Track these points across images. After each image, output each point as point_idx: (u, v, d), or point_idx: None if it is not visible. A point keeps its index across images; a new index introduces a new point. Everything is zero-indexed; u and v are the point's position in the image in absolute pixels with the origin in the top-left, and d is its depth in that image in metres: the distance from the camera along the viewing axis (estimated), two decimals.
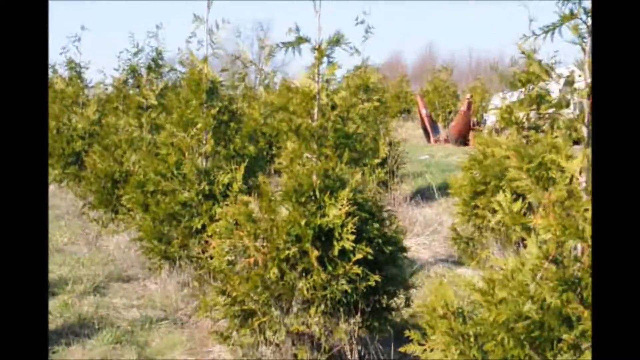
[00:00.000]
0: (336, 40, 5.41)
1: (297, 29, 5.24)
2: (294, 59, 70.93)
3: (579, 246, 3.34)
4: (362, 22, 10.87)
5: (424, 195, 12.11)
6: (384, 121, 11.57)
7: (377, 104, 11.30)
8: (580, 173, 3.33)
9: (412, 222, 10.05)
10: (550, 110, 8.57)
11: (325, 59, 5.37)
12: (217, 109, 6.78)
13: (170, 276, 6.92)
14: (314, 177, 5.22)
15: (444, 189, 12.31)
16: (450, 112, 28.34)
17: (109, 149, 9.38)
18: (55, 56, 37.27)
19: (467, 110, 21.59)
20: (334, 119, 5.42)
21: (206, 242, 6.45)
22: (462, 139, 22.15)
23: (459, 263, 8.46)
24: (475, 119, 22.52)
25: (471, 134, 21.97)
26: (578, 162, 3.30)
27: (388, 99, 16.93)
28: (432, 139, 23.09)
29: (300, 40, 5.25)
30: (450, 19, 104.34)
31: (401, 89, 31.27)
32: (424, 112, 23.42)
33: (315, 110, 5.34)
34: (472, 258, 8.32)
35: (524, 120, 8.39)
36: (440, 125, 25.21)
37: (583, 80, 3.27)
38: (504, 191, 3.60)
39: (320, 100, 5.37)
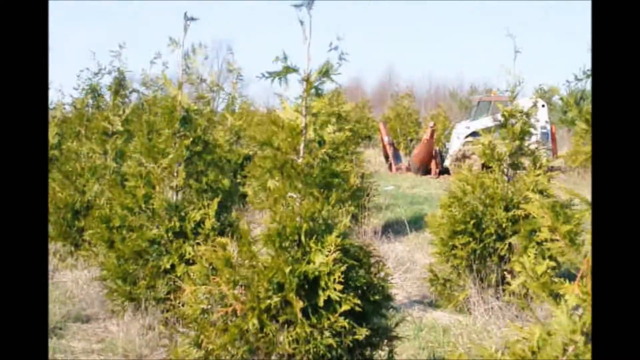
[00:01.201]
0: (325, 71, 5.03)
1: (285, 58, 4.85)
2: (252, 82, 70.44)
3: None
4: (335, 48, 10.53)
5: (394, 229, 11.73)
6: (356, 152, 11.18)
7: (349, 133, 10.91)
8: None
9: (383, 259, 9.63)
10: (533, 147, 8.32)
11: (312, 91, 4.99)
12: (191, 139, 6.27)
13: (134, 318, 6.37)
14: (298, 220, 4.79)
15: (413, 223, 11.99)
16: (412, 140, 28.24)
17: (69, 176, 8.78)
18: None
19: (430, 139, 21.33)
20: (321, 157, 5.00)
21: (174, 282, 5.97)
22: (424, 168, 21.94)
23: (435, 305, 8.07)
24: (437, 148, 22.32)
25: (433, 163, 21.80)
26: None
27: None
28: (393, 167, 22.85)
29: (288, 70, 4.86)
30: (409, 44, 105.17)
31: (363, 115, 31.07)
32: (386, 139, 23.18)
33: (302, 146, 4.93)
34: (449, 300, 7.97)
35: (507, 156, 8.12)
36: (401, 153, 25.02)
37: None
38: (528, 254, 3.21)
39: (307, 135, 4.96)
